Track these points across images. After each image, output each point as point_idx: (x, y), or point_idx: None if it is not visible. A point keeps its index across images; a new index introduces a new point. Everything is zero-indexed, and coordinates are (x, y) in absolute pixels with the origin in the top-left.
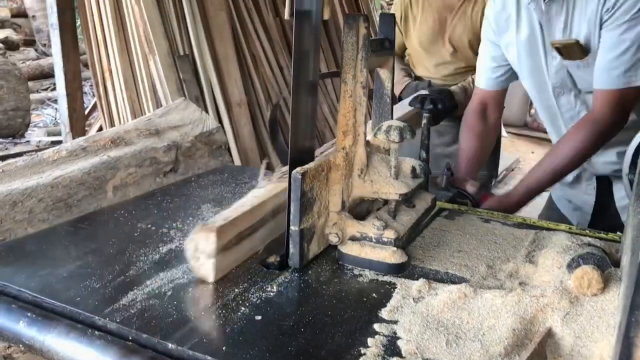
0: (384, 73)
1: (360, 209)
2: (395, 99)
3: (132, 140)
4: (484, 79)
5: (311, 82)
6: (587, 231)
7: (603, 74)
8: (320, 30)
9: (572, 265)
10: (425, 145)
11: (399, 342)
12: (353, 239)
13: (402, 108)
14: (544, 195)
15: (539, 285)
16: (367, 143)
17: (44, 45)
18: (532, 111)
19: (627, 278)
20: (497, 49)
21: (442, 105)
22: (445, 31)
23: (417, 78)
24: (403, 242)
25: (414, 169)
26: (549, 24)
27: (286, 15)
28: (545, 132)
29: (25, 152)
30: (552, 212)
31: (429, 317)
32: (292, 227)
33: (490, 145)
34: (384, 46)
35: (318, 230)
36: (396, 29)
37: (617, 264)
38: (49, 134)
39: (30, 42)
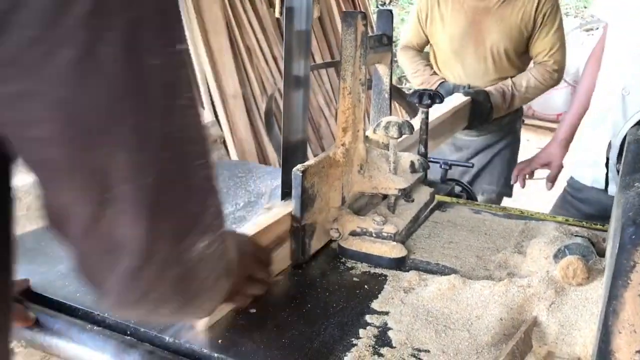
0: (382, 69)
1: (360, 204)
2: (404, 94)
3: None
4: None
5: (302, 78)
6: (574, 221)
7: None
8: (311, 27)
9: (558, 256)
10: (424, 140)
11: (390, 333)
12: (353, 234)
13: (446, 105)
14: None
15: (527, 275)
16: (366, 138)
17: None
18: None
19: (608, 267)
20: None
21: (440, 101)
22: (479, 35)
23: (445, 81)
24: (402, 237)
25: (412, 164)
26: None
27: (277, 14)
28: (541, 119)
29: None
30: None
31: (419, 308)
32: (293, 224)
33: None
34: (382, 42)
35: (319, 226)
36: (418, 26)
37: (603, 253)
38: None
39: None
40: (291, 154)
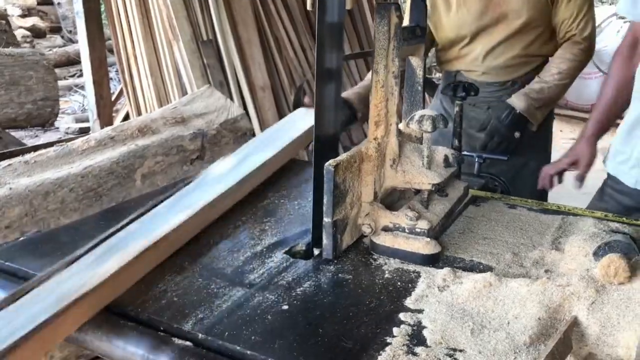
0: (415, 61)
1: (392, 198)
2: (435, 85)
3: (158, 129)
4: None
5: (335, 71)
6: (614, 217)
7: None
8: (344, 19)
9: (598, 253)
10: (458, 133)
11: (425, 332)
12: (386, 229)
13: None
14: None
15: (565, 272)
16: (399, 132)
17: (70, 32)
18: None
19: None
20: None
21: (475, 93)
22: (495, 8)
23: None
24: (436, 232)
25: (446, 158)
26: None
27: (308, 6)
28: (574, 109)
29: (55, 142)
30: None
31: (454, 306)
32: (325, 219)
33: (628, 97)
34: (416, 34)
35: (351, 221)
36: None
37: None
38: (77, 121)
39: (56, 29)
40: (323, 148)
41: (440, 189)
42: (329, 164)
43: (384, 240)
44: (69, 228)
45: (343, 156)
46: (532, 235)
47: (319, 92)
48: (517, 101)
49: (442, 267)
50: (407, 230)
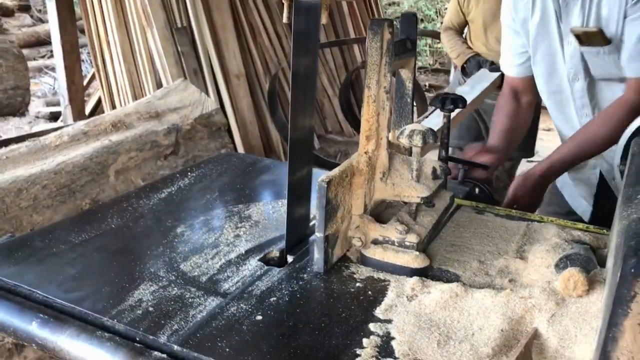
0: (405, 73)
1: (379, 209)
2: (425, 98)
3: (132, 124)
4: (510, 66)
5: (310, 77)
6: (576, 224)
7: (633, 63)
8: (319, 31)
9: (559, 266)
10: (445, 144)
11: (393, 343)
12: (375, 242)
13: (483, 77)
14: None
15: (528, 283)
16: (389, 144)
17: (39, 11)
18: None
19: (609, 287)
20: (519, 35)
21: (463, 105)
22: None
23: (476, 54)
24: (424, 245)
25: (434, 170)
26: (566, 8)
27: (284, 19)
28: None
29: (27, 136)
30: (554, 197)
31: (422, 316)
32: (317, 234)
33: (524, 125)
34: (406, 47)
35: (341, 235)
36: (457, 7)
37: (604, 262)
38: (48, 104)
39: (25, 8)
40: (297, 151)
41: (428, 201)
42: (322, 179)
43: (374, 253)
44: (44, 232)
45: (335, 171)
46: (497, 243)
47: (294, 97)
48: None
49: (411, 276)
50: (396, 244)
